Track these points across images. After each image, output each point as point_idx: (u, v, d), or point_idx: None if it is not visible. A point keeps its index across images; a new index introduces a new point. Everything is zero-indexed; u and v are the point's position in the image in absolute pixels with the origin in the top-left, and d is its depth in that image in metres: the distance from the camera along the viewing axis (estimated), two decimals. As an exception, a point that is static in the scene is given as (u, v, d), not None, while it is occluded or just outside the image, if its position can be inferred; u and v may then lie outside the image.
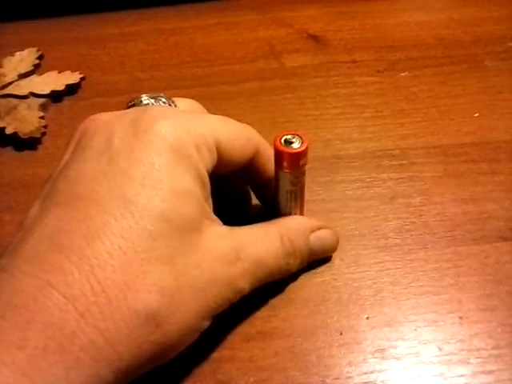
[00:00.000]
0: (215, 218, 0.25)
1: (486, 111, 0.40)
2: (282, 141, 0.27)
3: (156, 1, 0.54)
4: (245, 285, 0.25)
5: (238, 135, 0.27)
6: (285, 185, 0.28)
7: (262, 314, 0.28)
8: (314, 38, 0.49)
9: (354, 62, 0.46)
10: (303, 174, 0.28)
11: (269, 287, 0.29)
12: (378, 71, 0.45)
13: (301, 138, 0.27)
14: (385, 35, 0.49)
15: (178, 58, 0.47)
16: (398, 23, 0.51)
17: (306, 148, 0.27)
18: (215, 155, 0.25)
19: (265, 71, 0.45)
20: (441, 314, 0.28)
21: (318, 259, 0.30)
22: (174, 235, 0.22)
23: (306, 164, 0.27)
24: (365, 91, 0.42)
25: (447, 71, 0.44)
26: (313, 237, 0.28)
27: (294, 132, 0.27)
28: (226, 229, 0.25)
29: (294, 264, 0.28)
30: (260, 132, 0.39)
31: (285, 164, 0.27)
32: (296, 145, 0.26)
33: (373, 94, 0.42)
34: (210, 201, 0.25)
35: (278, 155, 0.27)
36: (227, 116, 0.40)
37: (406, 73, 0.44)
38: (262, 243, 0.26)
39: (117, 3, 0.53)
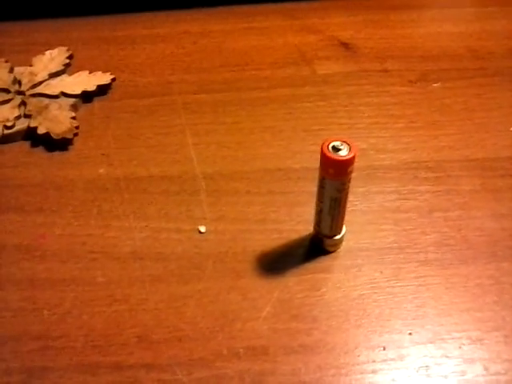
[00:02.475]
0: None
1: (522, 125, 0.40)
2: (330, 147, 0.26)
3: (184, 3, 0.53)
4: None
5: None
6: (330, 191, 0.28)
7: (303, 326, 0.28)
8: (345, 46, 0.48)
9: (385, 71, 0.45)
10: (349, 181, 0.28)
11: (308, 298, 0.29)
12: (411, 81, 0.44)
13: (349, 145, 0.26)
14: (416, 45, 0.49)
15: (207, 62, 0.46)
16: (429, 33, 0.50)
17: (354, 156, 0.26)
18: None
19: (296, 78, 0.45)
20: (485, 332, 0.27)
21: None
22: None
23: (352, 172, 0.27)
24: (398, 101, 0.42)
25: (480, 83, 0.44)
26: None
27: (341, 138, 0.26)
28: None
29: None
30: (293, 139, 0.39)
31: (331, 171, 0.27)
32: (344, 152, 0.26)
33: (406, 104, 0.42)
34: None
35: (325, 161, 0.26)
36: (259, 122, 0.40)
37: (439, 84, 0.44)
38: None
39: (145, 4, 0.53)
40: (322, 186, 0.28)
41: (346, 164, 0.26)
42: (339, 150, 0.26)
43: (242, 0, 0.54)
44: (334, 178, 0.27)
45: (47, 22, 0.50)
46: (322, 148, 0.26)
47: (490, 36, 0.50)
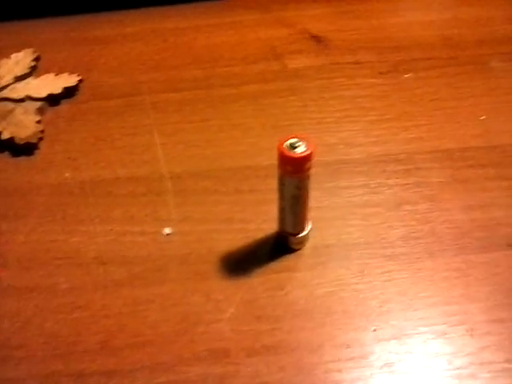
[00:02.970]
0: None
1: (493, 114, 0.39)
2: (287, 145, 0.26)
3: (154, 1, 0.53)
4: None
5: None
6: (289, 189, 0.27)
7: (266, 327, 0.27)
8: (316, 39, 0.48)
9: (357, 63, 0.45)
10: (308, 178, 0.27)
11: (272, 298, 0.28)
12: (382, 73, 0.44)
13: (306, 141, 0.26)
14: (388, 36, 0.48)
15: (177, 60, 0.46)
16: (401, 23, 0.50)
17: (311, 152, 0.26)
18: None
19: (266, 73, 0.44)
20: (450, 326, 0.27)
21: None
22: None
23: (310, 168, 0.27)
24: (368, 93, 0.42)
25: (452, 72, 0.43)
26: None
27: (298, 135, 0.26)
28: None
29: None
30: (262, 136, 0.39)
31: (289, 168, 0.26)
32: (301, 149, 0.26)
33: (376, 96, 0.42)
34: None
35: (283, 159, 0.26)
36: (229, 119, 0.40)
37: (410, 74, 0.43)
38: None
39: (113, 3, 0.52)
40: (281, 184, 0.27)
41: (303, 161, 0.26)
42: (296, 147, 0.26)
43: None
44: (293, 176, 0.26)
45: (12, 23, 0.50)
46: (278, 146, 0.26)
47: (462, 24, 0.49)
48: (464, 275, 0.29)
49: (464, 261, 0.30)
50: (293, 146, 0.26)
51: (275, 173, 0.35)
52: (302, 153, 0.25)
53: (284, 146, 0.26)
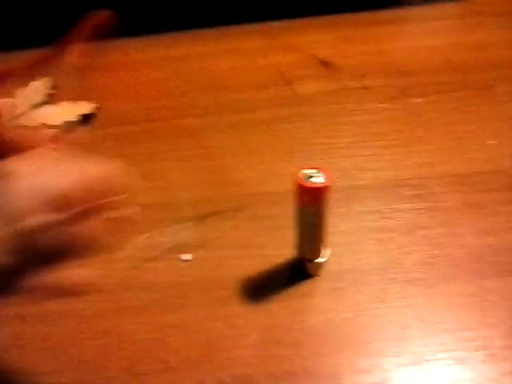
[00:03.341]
0: None
1: (500, 138, 0.40)
2: (304, 175, 0.26)
3: (164, 27, 0.54)
4: None
5: None
6: (307, 218, 0.28)
7: (286, 352, 0.28)
8: (324, 64, 0.49)
9: (365, 88, 0.46)
10: (325, 206, 0.28)
11: (291, 323, 0.29)
12: (391, 98, 0.45)
13: (322, 172, 0.27)
14: (394, 60, 0.49)
15: (189, 86, 0.47)
16: (407, 48, 0.51)
17: (329, 183, 0.27)
18: None
19: (277, 99, 0.45)
20: (469, 352, 0.27)
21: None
22: None
23: (328, 197, 0.27)
24: (378, 118, 0.42)
25: (459, 97, 0.44)
26: None
27: (314, 166, 0.27)
28: None
29: None
30: (276, 161, 0.40)
31: (307, 198, 0.27)
32: (318, 179, 0.26)
33: (386, 121, 0.42)
34: None
35: (301, 190, 0.27)
36: (242, 145, 0.41)
37: (419, 99, 0.44)
38: None
39: (124, 30, 0.53)
40: (299, 213, 0.28)
41: (322, 191, 0.26)
42: (313, 177, 0.26)
43: (221, 22, 0.54)
44: (311, 205, 0.27)
45: (30, 52, 0.51)
46: (295, 177, 0.26)
47: (466, 48, 0.50)
48: (480, 300, 0.30)
49: (479, 286, 0.30)
50: (310, 177, 0.26)
51: (290, 198, 0.36)
52: (320, 183, 0.26)
53: (301, 176, 0.26)
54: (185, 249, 0.33)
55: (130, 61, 0.50)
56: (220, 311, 0.30)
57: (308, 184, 0.26)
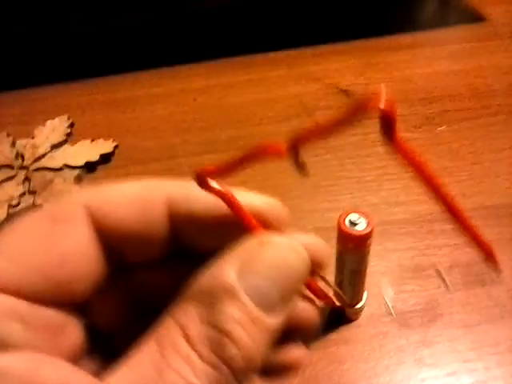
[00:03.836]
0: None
1: (532, 165, 0.39)
2: (347, 221, 0.25)
3: (180, 59, 0.53)
4: None
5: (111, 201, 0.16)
6: (349, 265, 0.27)
7: (332, 406, 0.27)
8: (345, 93, 0.48)
9: (388, 116, 0.45)
10: (368, 253, 0.27)
11: (334, 372, 0.28)
12: (415, 126, 0.44)
13: (365, 216, 0.26)
14: (416, 87, 0.48)
15: (209, 120, 0.46)
16: (428, 73, 0.50)
17: (372, 229, 0.26)
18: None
19: (299, 131, 0.44)
20: (522, 400, 0.26)
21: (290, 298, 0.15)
22: None
23: (371, 244, 0.26)
24: (404, 148, 0.41)
25: (485, 123, 0.44)
26: (244, 282, 0.14)
27: (358, 211, 0.26)
28: None
29: (247, 348, 0.14)
30: (303, 197, 0.39)
31: (350, 245, 0.26)
32: (361, 226, 0.25)
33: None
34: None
35: (344, 237, 0.26)
36: (267, 180, 0.40)
37: (444, 127, 0.43)
38: (151, 377, 0.13)
39: (140, 62, 0.53)
40: (341, 260, 0.27)
41: (365, 238, 0.25)
42: (356, 224, 0.25)
43: (238, 51, 0.54)
44: (354, 252, 0.26)
45: (45, 88, 0.50)
46: (338, 223, 0.25)
47: (488, 72, 0.50)
48: (529, 343, 0.28)
49: (526, 327, 0.29)
50: (353, 223, 0.25)
51: (321, 236, 0.35)
52: (364, 230, 0.25)
53: (344, 222, 0.25)
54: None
55: (145, 94, 0.49)
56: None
57: (353, 231, 0.25)
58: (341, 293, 0.26)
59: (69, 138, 0.44)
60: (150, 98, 0.49)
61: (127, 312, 0.17)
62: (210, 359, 0.13)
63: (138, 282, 0.17)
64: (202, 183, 0.15)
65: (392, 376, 0.28)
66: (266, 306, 0.14)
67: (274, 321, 0.14)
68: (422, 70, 0.51)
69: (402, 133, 0.43)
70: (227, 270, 0.14)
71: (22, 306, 0.14)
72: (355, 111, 0.13)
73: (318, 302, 0.17)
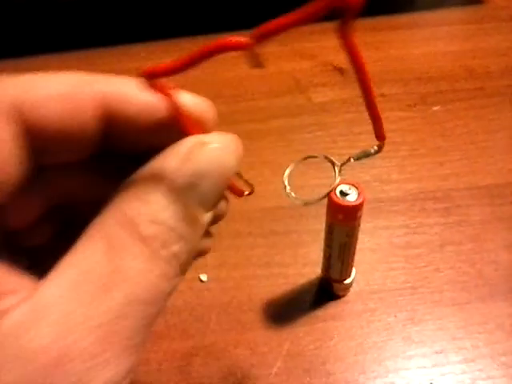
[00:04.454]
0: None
1: (527, 147, 0.39)
2: (338, 192, 0.25)
3: (171, 33, 0.52)
4: (105, 379, 0.13)
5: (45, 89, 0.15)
6: (339, 237, 0.26)
7: (316, 381, 0.26)
8: (340, 71, 0.47)
9: (383, 95, 0.44)
10: (358, 225, 0.26)
11: (320, 349, 0.27)
12: (409, 105, 0.43)
13: (356, 187, 0.25)
14: (412, 67, 0.47)
15: (200, 94, 0.45)
16: (424, 53, 0.49)
17: (363, 201, 0.25)
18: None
19: (292, 107, 0.43)
20: (511, 378, 0.26)
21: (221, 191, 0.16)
22: None
23: (361, 216, 0.26)
24: (398, 127, 0.41)
25: (480, 104, 0.43)
26: (183, 181, 0.14)
27: (349, 182, 0.25)
28: (24, 309, 0.13)
29: (189, 242, 0.15)
30: (293, 173, 0.38)
31: (340, 216, 0.25)
32: (352, 197, 0.25)
33: (407, 130, 0.41)
34: None
35: (334, 208, 0.25)
36: (258, 156, 0.39)
37: (439, 107, 0.43)
38: (103, 271, 0.13)
39: (130, 36, 0.52)
40: (330, 232, 0.26)
41: (356, 209, 0.25)
42: (347, 194, 0.25)
43: (232, 27, 0.52)
44: (344, 224, 0.25)
45: (22, 60, 0.49)
46: (329, 194, 0.25)
47: (485, 54, 0.49)
48: (519, 322, 0.28)
49: (517, 306, 0.29)
50: (344, 194, 0.25)
51: (309, 212, 0.35)
52: (355, 201, 0.24)
53: (334, 193, 0.25)
54: (201, 269, 0.31)
55: (136, 68, 0.48)
56: (242, 337, 0.28)
57: (343, 202, 0.24)
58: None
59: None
60: (139, 71, 0.48)
61: (47, 221, 0.17)
62: (161, 255, 0.14)
63: (61, 187, 0.17)
64: (150, 82, 0.14)
65: (379, 353, 0.27)
66: (203, 203, 0.15)
67: (208, 217, 0.15)
68: (418, 50, 0.50)
69: (396, 112, 0.42)
70: (168, 166, 0.14)
71: None
72: (320, 2, 0.12)
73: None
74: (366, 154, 0.22)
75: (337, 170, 0.23)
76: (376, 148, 0.22)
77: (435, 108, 0.43)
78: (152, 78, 0.14)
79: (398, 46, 0.51)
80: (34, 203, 0.17)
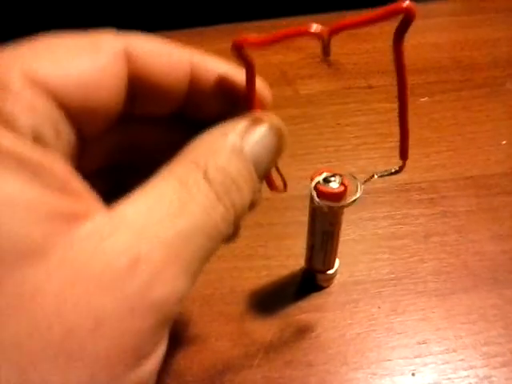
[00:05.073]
0: (82, 206, 0.14)
1: (513, 138, 0.39)
2: (320, 180, 0.25)
3: (158, 25, 0.52)
4: (167, 291, 0.14)
5: (153, 47, 0.18)
6: (322, 226, 0.26)
7: (298, 373, 0.26)
8: (327, 62, 0.47)
9: (370, 87, 0.44)
10: (342, 213, 0.26)
11: (302, 341, 0.27)
12: (397, 97, 0.43)
13: (340, 176, 0.25)
14: (399, 58, 0.47)
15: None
16: (412, 45, 0.49)
17: (346, 188, 0.25)
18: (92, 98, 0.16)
19: (279, 99, 0.43)
20: (493, 368, 0.26)
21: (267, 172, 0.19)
22: None
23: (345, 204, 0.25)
24: (385, 118, 0.41)
25: (468, 96, 0.43)
26: (249, 144, 0.17)
27: (332, 170, 0.25)
28: (102, 219, 0.14)
29: (244, 198, 0.17)
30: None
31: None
32: (335, 184, 0.24)
33: (394, 121, 0.40)
34: (75, 179, 0.15)
35: (318, 195, 0.25)
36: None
37: (426, 98, 0.43)
38: (173, 204, 0.15)
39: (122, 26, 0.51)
40: (313, 220, 0.26)
41: (340, 196, 0.24)
42: (330, 181, 0.24)
43: (217, 20, 0.52)
44: (326, 212, 0.25)
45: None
46: (311, 180, 0.24)
47: (473, 45, 0.49)
48: (502, 312, 0.28)
49: (500, 296, 0.29)
50: (326, 181, 0.24)
51: (295, 204, 0.34)
52: (338, 188, 0.24)
53: (318, 180, 0.24)
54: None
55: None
56: (224, 329, 0.28)
57: (326, 189, 0.24)
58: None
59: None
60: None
61: (101, 176, 0.19)
62: (223, 200, 0.16)
63: (135, 138, 0.20)
64: (238, 50, 0.17)
65: (362, 344, 0.27)
66: (258, 169, 0.18)
67: (258, 185, 0.18)
68: (407, 42, 0.49)
69: (384, 103, 0.42)
70: (235, 133, 0.17)
71: (56, 113, 0.15)
72: (385, 10, 0.16)
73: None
74: (389, 173, 0.24)
75: (359, 186, 0.24)
76: (397, 168, 0.23)
77: (423, 99, 0.42)
78: (241, 47, 0.17)
79: (386, 38, 0.50)
80: (105, 148, 0.19)
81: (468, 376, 0.25)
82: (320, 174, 0.24)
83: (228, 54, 0.48)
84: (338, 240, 0.27)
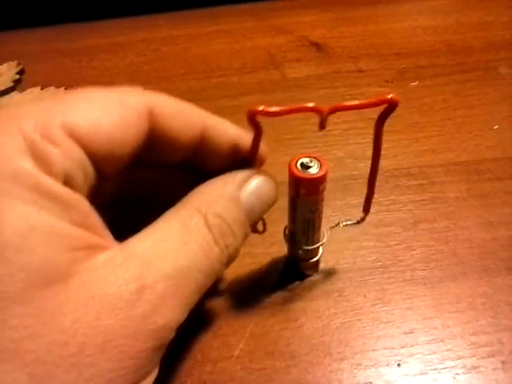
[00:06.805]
0: (99, 239, 0.17)
1: (506, 123, 0.38)
2: (298, 165, 0.23)
3: (145, 8, 0.50)
4: (166, 319, 0.16)
5: (175, 107, 0.20)
6: (302, 213, 0.25)
7: (279, 364, 0.25)
8: (316, 46, 0.46)
9: (360, 71, 0.43)
10: (322, 200, 0.25)
11: (285, 331, 0.26)
12: (387, 81, 0.42)
13: (318, 160, 0.24)
14: (390, 41, 0.46)
15: (170, 70, 0.43)
16: (404, 28, 0.48)
17: (326, 172, 0.23)
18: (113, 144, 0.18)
19: (266, 83, 0.42)
20: (480, 359, 0.25)
21: (258, 219, 0.22)
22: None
23: (325, 189, 0.24)
24: (374, 103, 0.39)
25: (460, 80, 0.42)
26: (245, 194, 0.20)
27: (310, 154, 0.24)
28: (115, 251, 0.17)
29: (237, 241, 0.20)
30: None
31: (302, 191, 0.24)
32: (314, 169, 0.23)
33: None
34: (94, 216, 0.17)
35: (295, 181, 0.24)
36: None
37: (417, 82, 0.41)
38: (177, 242, 0.18)
39: (102, 12, 0.50)
40: (293, 208, 0.25)
41: (318, 182, 0.23)
42: (309, 167, 0.23)
43: (207, 2, 0.51)
44: (306, 198, 0.24)
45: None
46: (289, 166, 0.23)
47: (466, 29, 0.47)
48: (491, 300, 0.27)
49: (489, 284, 0.28)
50: (305, 166, 0.23)
51: (280, 190, 0.33)
52: (317, 173, 0.23)
53: (296, 165, 0.23)
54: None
55: (105, 44, 0.46)
56: (204, 318, 0.27)
57: (304, 174, 0.23)
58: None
59: (17, 86, 0.41)
60: (109, 47, 0.46)
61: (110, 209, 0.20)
62: (219, 243, 0.19)
63: (145, 178, 0.22)
64: (251, 117, 0.20)
65: (346, 334, 0.26)
66: (250, 216, 0.20)
67: (249, 230, 0.21)
68: (398, 25, 0.49)
69: (374, 87, 0.41)
70: (234, 183, 0.20)
71: (86, 160, 0.17)
72: (376, 100, 0.20)
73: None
74: (352, 222, 0.27)
75: (326, 233, 0.27)
76: (359, 219, 0.26)
77: (413, 84, 0.41)
78: (254, 115, 0.20)
79: (379, 21, 0.49)
80: (118, 185, 0.21)
81: (455, 366, 0.25)
82: (298, 159, 0.23)
83: (208, 37, 0.47)
84: (319, 227, 0.26)
